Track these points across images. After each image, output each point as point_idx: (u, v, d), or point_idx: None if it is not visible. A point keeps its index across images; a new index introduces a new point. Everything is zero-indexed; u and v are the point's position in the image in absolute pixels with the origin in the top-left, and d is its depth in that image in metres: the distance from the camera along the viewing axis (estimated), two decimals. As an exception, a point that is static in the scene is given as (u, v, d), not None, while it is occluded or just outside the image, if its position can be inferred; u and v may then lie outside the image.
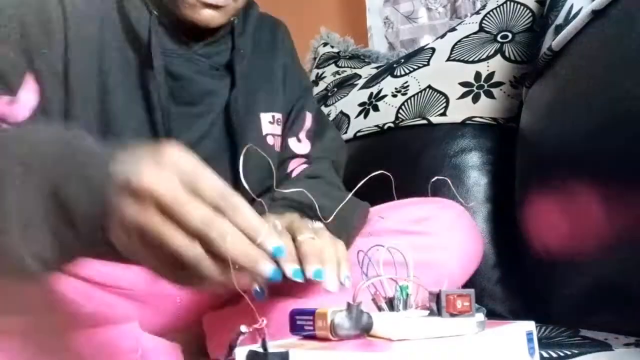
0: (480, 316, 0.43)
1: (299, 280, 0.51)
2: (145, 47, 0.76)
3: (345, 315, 0.41)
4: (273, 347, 0.38)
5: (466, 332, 0.42)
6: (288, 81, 0.93)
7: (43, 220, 0.47)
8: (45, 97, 0.70)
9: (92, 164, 0.48)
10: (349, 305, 0.41)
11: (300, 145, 0.92)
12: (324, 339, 0.41)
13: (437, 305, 0.43)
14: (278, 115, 0.89)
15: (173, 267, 0.46)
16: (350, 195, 0.62)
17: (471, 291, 0.43)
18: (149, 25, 0.76)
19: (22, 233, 0.46)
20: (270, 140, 0.88)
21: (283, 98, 0.91)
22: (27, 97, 0.69)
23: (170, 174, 0.45)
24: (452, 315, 0.42)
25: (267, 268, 0.47)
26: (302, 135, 0.93)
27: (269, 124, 0.88)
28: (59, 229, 0.47)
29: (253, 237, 0.46)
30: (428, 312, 0.44)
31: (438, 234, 0.78)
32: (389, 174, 0.55)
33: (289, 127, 0.92)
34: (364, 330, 0.41)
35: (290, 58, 0.97)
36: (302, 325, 0.43)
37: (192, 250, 0.45)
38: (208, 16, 0.75)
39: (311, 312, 0.42)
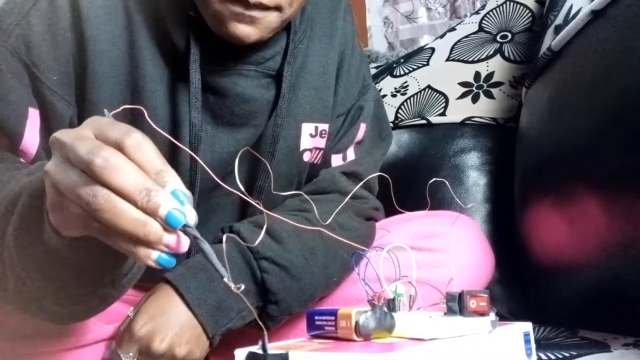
0: (492, 315, 0.46)
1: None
2: (182, 55, 0.63)
3: (370, 316, 0.41)
4: (273, 348, 0.38)
5: (483, 330, 0.44)
6: (343, 77, 0.76)
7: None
8: (54, 123, 0.62)
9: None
10: (373, 305, 0.42)
11: (345, 160, 0.79)
12: (346, 339, 0.42)
13: (459, 305, 0.45)
14: (323, 127, 0.74)
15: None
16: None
17: (487, 292, 0.46)
18: (188, 30, 0.63)
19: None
20: (306, 156, 0.74)
21: (333, 101, 0.75)
22: (30, 137, 0.61)
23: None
24: (472, 314, 0.45)
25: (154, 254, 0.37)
26: (350, 149, 0.79)
27: (310, 137, 0.74)
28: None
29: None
30: (443, 312, 0.46)
31: (447, 252, 0.74)
32: (387, 176, 0.55)
33: (336, 142, 0.77)
34: (387, 330, 0.42)
35: (351, 42, 0.78)
36: (322, 325, 0.44)
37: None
38: (241, 33, 0.59)
39: (332, 313, 0.43)
